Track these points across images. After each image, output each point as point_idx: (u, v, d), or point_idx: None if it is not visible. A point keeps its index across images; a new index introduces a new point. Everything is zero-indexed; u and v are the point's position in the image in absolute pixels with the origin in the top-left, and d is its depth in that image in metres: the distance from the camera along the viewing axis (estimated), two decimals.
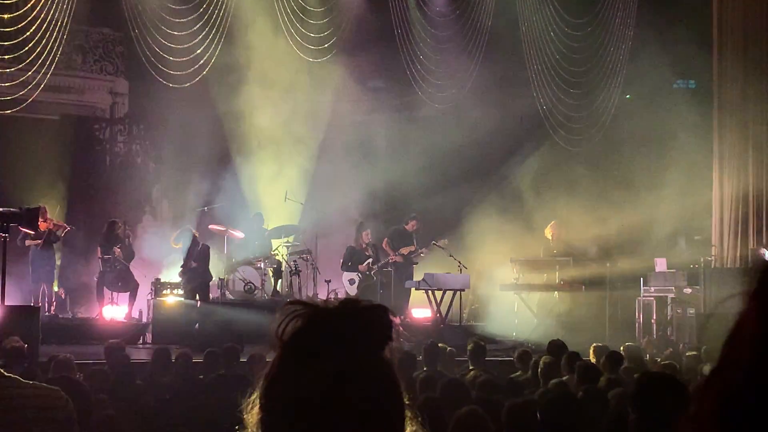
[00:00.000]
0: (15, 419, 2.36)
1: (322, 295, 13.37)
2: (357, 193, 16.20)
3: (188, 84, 14.84)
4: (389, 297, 13.88)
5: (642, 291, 14.20)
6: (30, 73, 14.25)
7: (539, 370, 7.65)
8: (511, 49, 16.43)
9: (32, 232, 12.87)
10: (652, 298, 14.07)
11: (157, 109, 15.97)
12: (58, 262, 14.22)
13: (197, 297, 13.34)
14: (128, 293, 13.70)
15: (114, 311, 13.56)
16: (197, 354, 8.80)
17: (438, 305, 13.73)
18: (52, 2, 14.05)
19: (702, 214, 14.84)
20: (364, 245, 14.68)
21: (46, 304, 13.30)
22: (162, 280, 13.74)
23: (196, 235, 14.05)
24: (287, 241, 15.13)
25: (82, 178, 16.24)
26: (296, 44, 15.46)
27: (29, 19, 14.06)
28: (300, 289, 14.48)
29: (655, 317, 14.00)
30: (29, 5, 14.15)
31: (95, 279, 13.85)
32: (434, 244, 14.54)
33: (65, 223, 14.02)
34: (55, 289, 14.05)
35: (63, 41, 14.40)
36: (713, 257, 14.30)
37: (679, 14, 16.02)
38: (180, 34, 14.75)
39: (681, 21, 15.79)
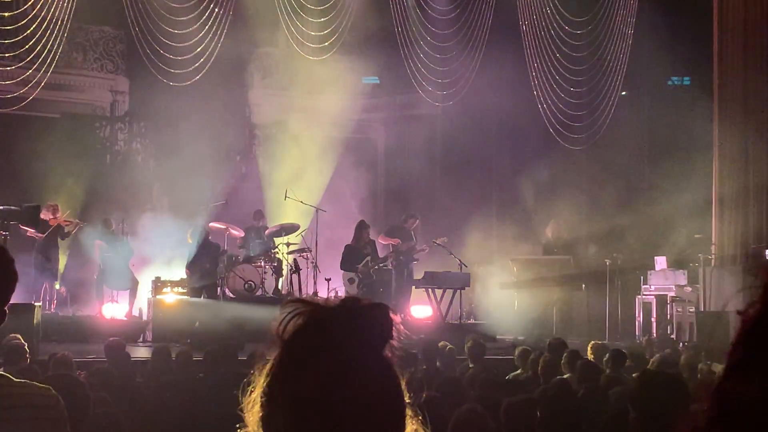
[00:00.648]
0: (5, 418, 2.36)
1: (323, 294, 13.36)
2: (357, 191, 16.19)
3: (189, 82, 14.84)
4: (389, 295, 13.88)
5: (642, 290, 14.20)
6: (30, 71, 14.26)
7: (539, 368, 7.65)
8: (511, 48, 16.42)
9: (32, 230, 12.87)
10: (652, 297, 14.05)
11: (157, 107, 15.96)
12: (64, 261, 14.22)
13: (203, 295, 13.37)
14: (128, 291, 13.71)
15: (114, 309, 13.56)
16: (197, 352, 8.80)
17: (438, 303, 13.74)
18: (53, 0, 14.04)
19: (702, 212, 14.82)
20: (362, 244, 14.67)
21: (47, 302, 13.30)
22: (162, 278, 13.74)
23: (209, 233, 14.08)
24: (287, 240, 15.13)
25: (82, 176, 16.22)
26: (297, 42, 15.47)
27: (30, 17, 14.06)
28: (300, 287, 14.47)
29: (655, 316, 13.99)
30: (30, 3, 14.16)
31: (95, 277, 13.85)
32: (434, 242, 14.55)
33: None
34: (57, 286, 14.04)
35: (63, 39, 14.41)
36: (713, 255, 14.28)
37: (680, 12, 16.00)
38: (180, 32, 14.75)
39: (681, 19, 15.78)
